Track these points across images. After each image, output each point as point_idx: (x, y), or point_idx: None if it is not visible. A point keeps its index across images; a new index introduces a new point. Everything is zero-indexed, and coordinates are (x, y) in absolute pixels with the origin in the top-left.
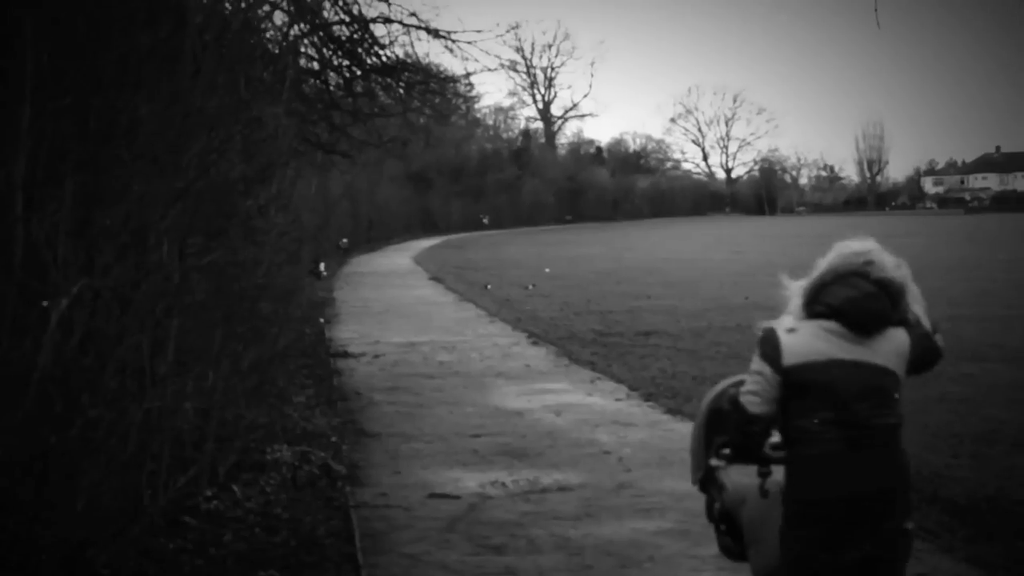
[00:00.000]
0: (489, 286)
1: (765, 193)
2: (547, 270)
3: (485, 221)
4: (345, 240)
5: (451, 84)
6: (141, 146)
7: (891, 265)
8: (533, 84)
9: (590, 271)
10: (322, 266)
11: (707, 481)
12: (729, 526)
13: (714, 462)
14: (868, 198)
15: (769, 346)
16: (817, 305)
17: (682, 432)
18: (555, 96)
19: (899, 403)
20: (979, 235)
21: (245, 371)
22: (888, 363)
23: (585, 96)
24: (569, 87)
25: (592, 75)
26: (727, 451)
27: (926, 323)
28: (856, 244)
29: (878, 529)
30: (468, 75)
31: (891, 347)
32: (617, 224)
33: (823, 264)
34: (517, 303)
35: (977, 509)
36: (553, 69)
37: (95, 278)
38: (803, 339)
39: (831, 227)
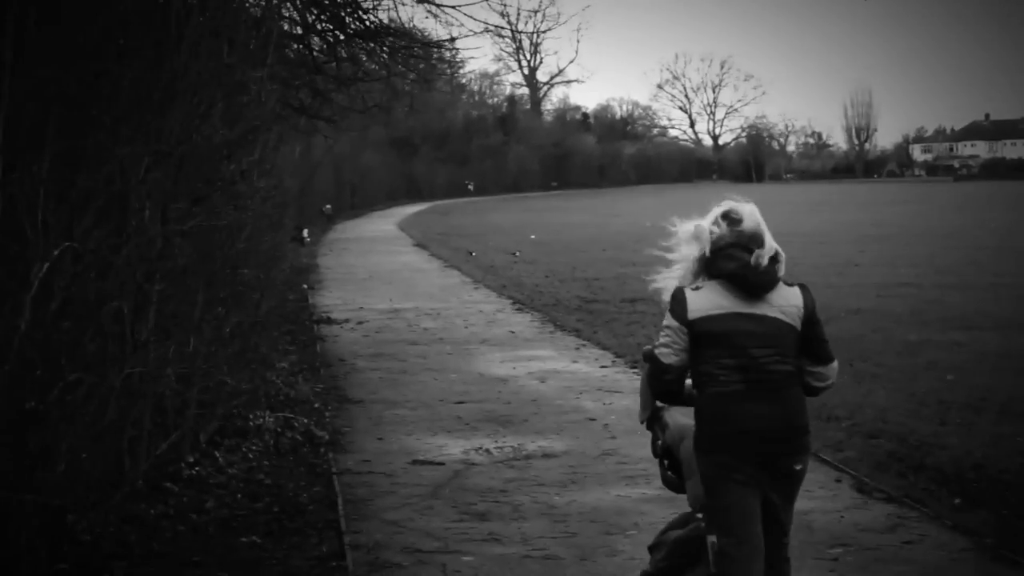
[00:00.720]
0: (474, 253)
1: (752, 160)
2: (532, 237)
3: (470, 187)
4: (329, 206)
5: (435, 49)
6: (124, 111)
7: (767, 234)
8: (519, 50)
9: (576, 238)
10: (305, 232)
11: (653, 420)
12: (671, 461)
13: (659, 403)
14: (856, 166)
15: (676, 303)
16: (717, 270)
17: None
18: (541, 62)
19: (796, 353)
20: (968, 203)
21: (227, 337)
22: (783, 316)
23: (571, 62)
24: (555, 53)
25: (578, 41)
26: None
27: None
28: (744, 212)
29: (772, 465)
30: (453, 40)
31: (786, 303)
32: (603, 191)
33: (707, 233)
34: (502, 270)
35: (964, 477)
36: (539, 34)
37: (76, 242)
38: (706, 295)
39: (819, 194)
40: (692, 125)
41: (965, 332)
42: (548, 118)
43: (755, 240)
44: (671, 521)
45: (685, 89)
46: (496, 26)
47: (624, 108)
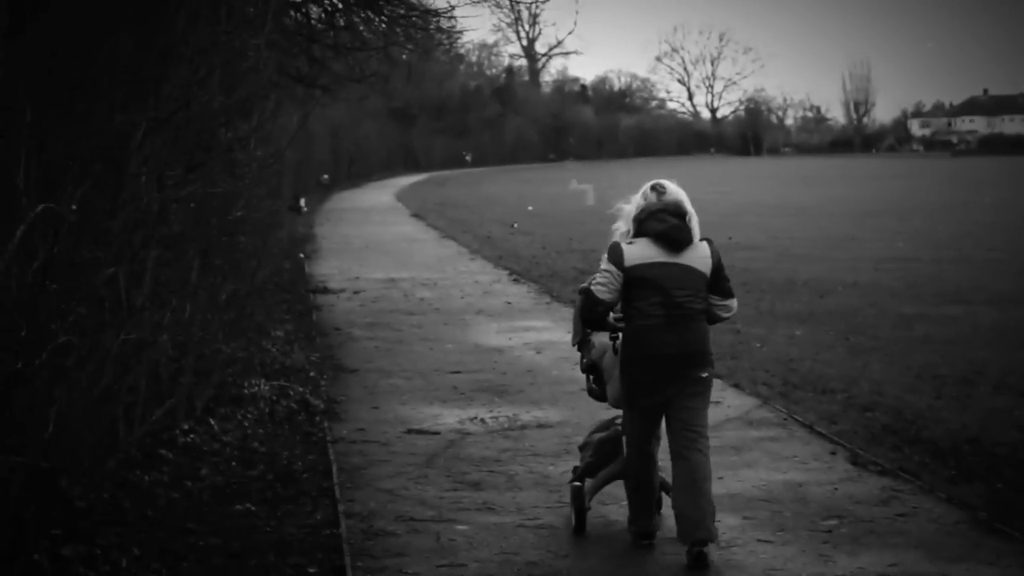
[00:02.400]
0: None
1: (751, 133)
2: (530, 208)
3: (468, 158)
4: (326, 176)
5: (434, 18)
6: (121, 76)
7: (687, 204)
8: (517, 20)
9: (573, 210)
10: (302, 201)
11: (582, 344)
12: (595, 375)
13: (588, 329)
14: (854, 140)
15: (615, 253)
16: (645, 229)
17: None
18: (539, 33)
19: (706, 293)
20: (965, 178)
21: (223, 304)
22: (696, 265)
23: (570, 33)
24: (554, 24)
25: (577, 12)
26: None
27: None
28: (669, 189)
29: (682, 377)
30: (451, 8)
31: (698, 255)
32: (601, 163)
33: (640, 200)
34: (499, 241)
35: (959, 450)
36: (537, 5)
37: (61, 204)
38: (639, 248)
39: (817, 168)
40: (691, 98)
41: (961, 306)
42: (546, 90)
43: (677, 207)
44: (596, 425)
45: (684, 61)
46: None
47: (622, 80)
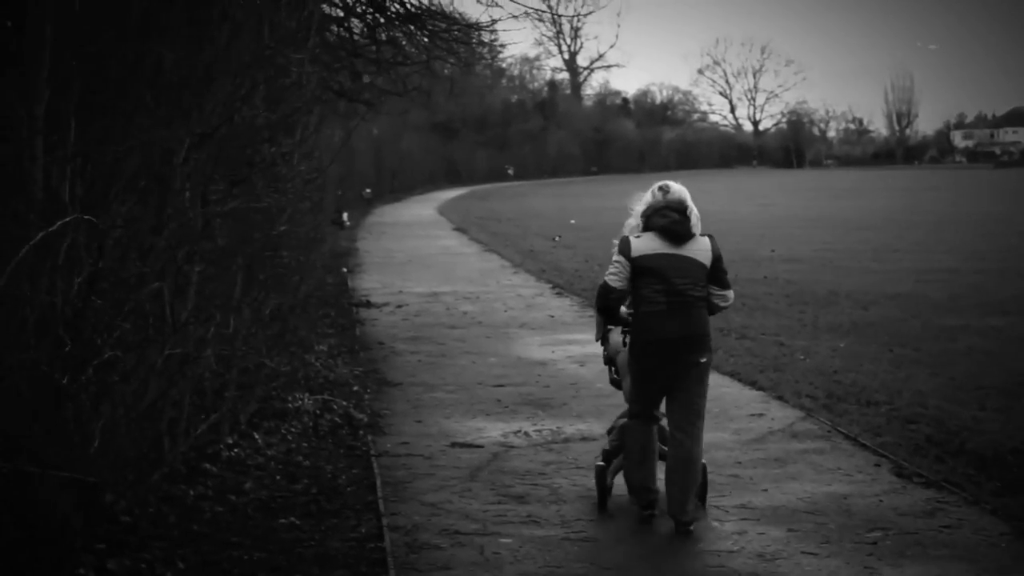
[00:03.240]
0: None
1: (793, 146)
2: (572, 221)
3: (510, 172)
4: (368, 190)
5: (475, 32)
6: (165, 92)
7: (689, 202)
8: (559, 34)
9: (615, 223)
10: (345, 216)
11: (604, 339)
12: (614, 367)
13: (608, 327)
14: (897, 151)
15: (624, 245)
16: (652, 225)
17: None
18: (581, 46)
19: (705, 283)
20: (1008, 189)
21: (267, 319)
22: (697, 257)
23: (611, 47)
24: (595, 37)
25: (619, 25)
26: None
27: None
28: (673, 189)
29: (683, 361)
30: (493, 22)
31: (699, 248)
32: (644, 176)
33: (648, 199)
34: (541, 254)
35: (1004, 461)
36: (579, 18)
37: (104, 219)
38: (644, 242)
39: (859, 180)
40: (732, 110)
41: (1003, 317)
42: (588, 103)
43: (679, 204)
44: (621, 414)
45: (726, 74)
46: (536, 10)
47: (664, 93)
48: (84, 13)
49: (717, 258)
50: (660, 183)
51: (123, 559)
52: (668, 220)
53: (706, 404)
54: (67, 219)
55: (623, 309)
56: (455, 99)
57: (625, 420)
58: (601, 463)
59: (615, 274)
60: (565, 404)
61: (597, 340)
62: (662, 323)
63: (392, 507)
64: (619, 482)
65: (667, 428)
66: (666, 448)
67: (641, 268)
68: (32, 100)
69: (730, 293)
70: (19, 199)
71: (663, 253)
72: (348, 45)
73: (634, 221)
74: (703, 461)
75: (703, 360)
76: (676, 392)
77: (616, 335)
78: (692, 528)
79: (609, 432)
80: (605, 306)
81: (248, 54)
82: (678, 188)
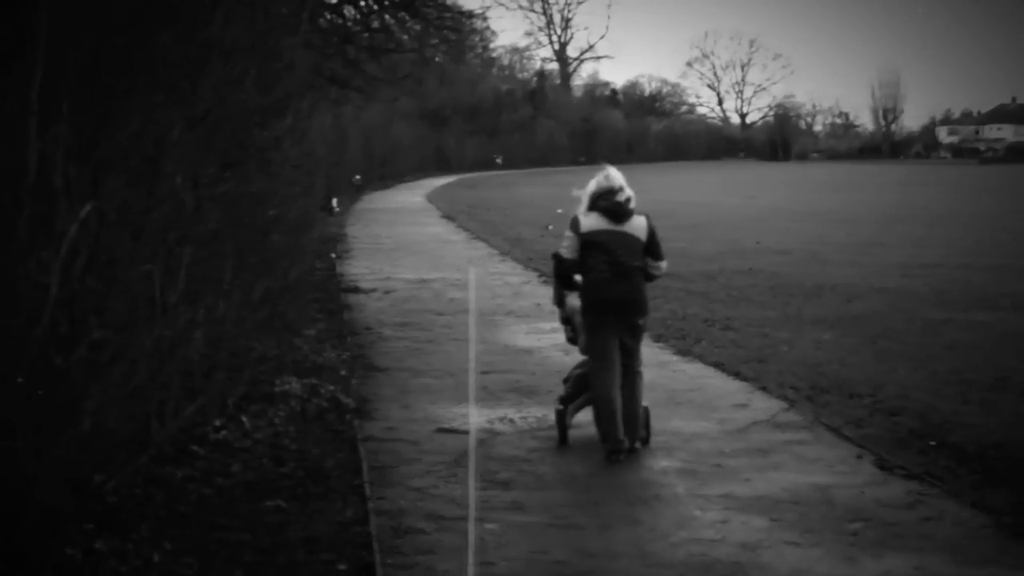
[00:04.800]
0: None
1: (779, 139)
2: (559, 211)
3: (499, 161)
4: (358, 176)
5: (467, 20)
6: (157, 76)
7: (627, 187)
8: (549, 24)
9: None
10: (334, 202)
11: (560, 302)
12: (571, 327)
13: (565, 291)
14: (883, 147)
15: (574, 223)
16: (595, 206)
17: (691, 373)
18: (571, 37)
19: (642, 255)
20: (992, 186)
21: (256, 302)
22: (635, 233)
23: (601, 38)
24: (586, 28)
25: (609, 16)
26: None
27: None
28: (612, 175)
29: (626, 320)
30: (484, 10)
31: (637, 226)
32: (631, 167)
33: (593, 186)
34: (529, 243)
35: (984, 455)
36: (570, 9)
37: (102, 201)
38: (591, 220)
39: (845, 174)
40: (720, 103)
41: (988, 312)
42: (577, 93)
43: (620, 189)
44: (576, 364)
45: (714, 67)
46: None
47: (653, 85)
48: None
49: (652, 233)
50: (605, 171)
51: (111, 539)
52: (609, 202)
53: (641, 352)
54: (87, 208)
55: (576, 277)
56: (446, 87)
57: (580, 371)
58: (560, 407)
59: (567, 247)
60: (550, 391)
61: (555, 303)
62: (607, 287)
63: (378, 491)
64: (578, 419)
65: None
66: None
67: (588, 242)
68: (26, 84)
69: (664, 263)
70: (13, 182)
71: (606, 229)
72: (341, 31)
73: (583, 202)
74: (645, 404)
75: (640, 322)
76: (621, 346)
77: (573, 299)
78: (637, 448)
79: (565, 381)
80: (560, 274)
81: (240, 38)
82: (617, 175)
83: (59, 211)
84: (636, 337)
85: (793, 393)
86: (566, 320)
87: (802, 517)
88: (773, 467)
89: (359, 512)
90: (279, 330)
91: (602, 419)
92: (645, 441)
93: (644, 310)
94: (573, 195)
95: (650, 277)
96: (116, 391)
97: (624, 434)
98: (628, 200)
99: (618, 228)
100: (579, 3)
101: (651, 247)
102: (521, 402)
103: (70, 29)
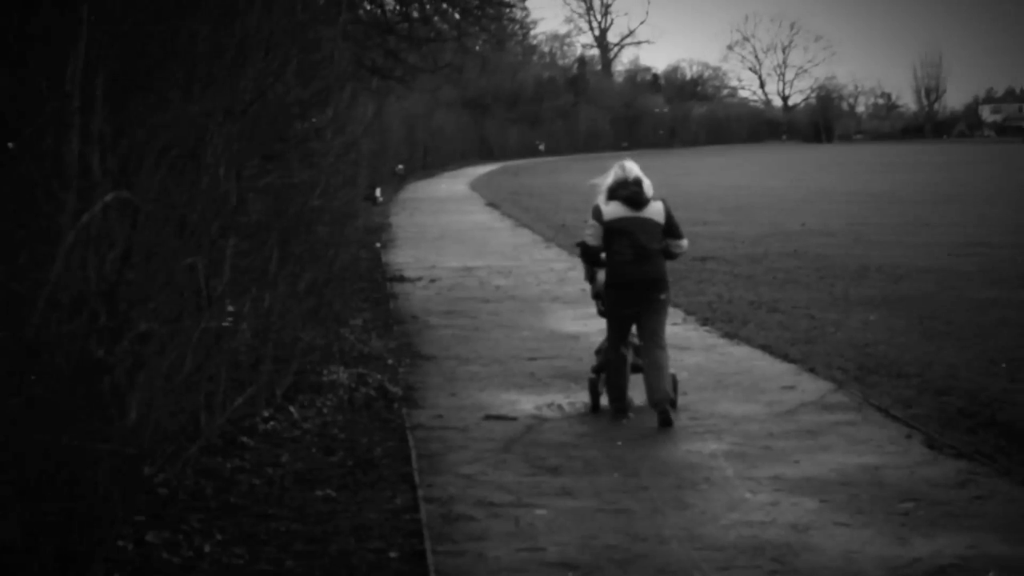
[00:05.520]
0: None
1: (822, 121)
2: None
3: (541, 148)
4: (401, 166)
5: (507, 9)
6: (198, 68)
7: (644, 177)
8: (589, 10)
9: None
10: (378, 191)
11: (591, 279)
12: (602, 300)
13: (595, 269)
14: (926, 126)
15: (596, 212)
16: (615, 196)
17: (738, 356)
18: (611, 23)
19: (662, 237)
20: None
21: (301, 293)
22: (653, 217)
23: (641, 23)
24: (626, 14)
25: (649, 2)
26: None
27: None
28: (628, 166)
29: (647, 298)
30: None
31: (654, 211)
32: (674, 151)
33: (612, 177)
34: (573, 229)
35: None
36: None
37: (135, 192)
38: (612, 208)
39: (888, 155)
40: (762, 86)
41: None
42: (618, 79)
43: (637, 179)
44: (606, 337)
45: (755, 49)
46: None
47: (694, 69)
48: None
49: (669, 216)
50: (622, 162)
51: (161, 531)
52: (628, 191)
53: (665, 328)
54: (107, 198)
55: (603, 255)
56: (487, 76)
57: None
58: (593, 376)
59: (591, 235)
60: None
61: (586, 279)
62: (629, 269)
63: (427, 479)
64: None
65: (639, 347)
66: (640, 361)
67: (611, 229)
68: (67, 77)
69: (684, 241)
70: (54, 175)
71: (627, 216)
72: (381, 21)
73: (603, 192)
74: (672, 372)
75: (663, 296)
76: (644, 321)
77: (602, 275)
78: (666, 413)
79: (597, 353)
80: (591, 259)
81: (280, 30)
82: (633, 166)
83: (95, 204)
84: (660, 312)
85: (841, 374)
86: (597, 295)
87: (852, 498)
88: (822, 448)
89: (409, 500)
90: (325, 320)
91: (611, 382)
92: (673, 405)
93: (665, 286)
94: (591, 184)
95: (671, 255)
96: (163, 383)
97: (652, 404)
98: (645, 188)
99: (638, 214)
100: None
101: (670, 228)
102: (569, 388)
103: (108, 20)
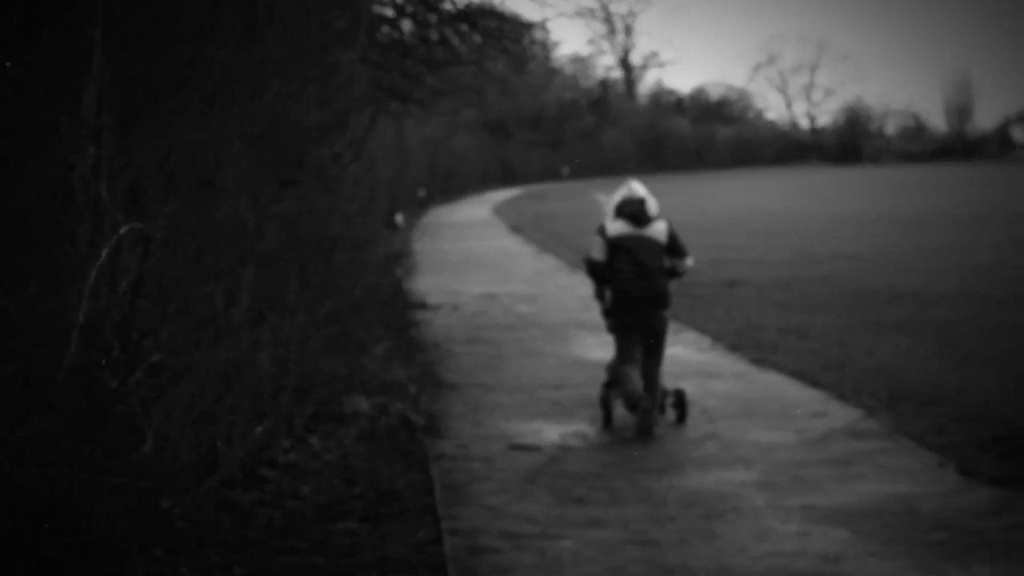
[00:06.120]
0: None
1: (850, 142)
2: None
3: (564, 172)
4: (423, 190)
5: (527, 31)
6: (214, 92)
7: (649, 197)
8: (611, 32)
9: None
10: (399, 217)
11: (600, 296)
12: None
13: (603, 288)
14: (956, 148)
15: (601, 229)
16: (620, 214)
17: (767, 383)
18: (634, 45)
19: (664, 255)
20: None
21: (321, 321)
22: (656, 236)
23: (665, 44)
24: (648, 35)
25: (672, 23)
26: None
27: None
28: (634, 187)
29: (651, 314)
30: (544, 21)
31: (657, 229)
32: (700, 174)
33: (618, 196)
34: None
35: None
36: (632, 16)
37: (148, 222)
38: (616, 225)
39: (918, 176)
40: (789, 107)
41: None
42: (642, 101)
43: (641, 199)
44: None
45: (781, 70)
46: (588, 8)
47: (719, 90)
48: (132, 15)
49: (672, 235)
50: (628, 183)
51: (179, 566)
52: (632, 209)
53: (665, 345)
54: (122, 231)
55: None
56: (508, 98)
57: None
58: (604, 392)
59: (596, 251)
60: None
61: (596, 297)
62: (632, 285)
63: (451, 510)
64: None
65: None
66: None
67: (614, 245)
68: (78, 103)
69: (688, 260)
70: (63, 204)
71: (629, 234)
72: (399, 45)
73: (610, 211)
74: (682, 388)
75: (663, 313)
76: (644, 337)
77: (607, 292)
78: (646, 416)
79: (608, 369)
80: (596, 274)
81: (298, 54)
82: (639, 187)
83: (104, 233)
84: (661, 327)
85: (872, 401)
86: (607, 312)
87: (884, 527)
88: (853, 477)
89: (432, 532)
90: (346, 349)
91: (625, 389)
92: (681, 419)
93: (666, 304)
94: (598, 199)
95: (676, 274)
96: (180, 414)
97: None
98: (649, 207)
99: (640, 232)
100: (641, 11)
101: (673, 247)
102: (595, 416)
103: (121, 44)
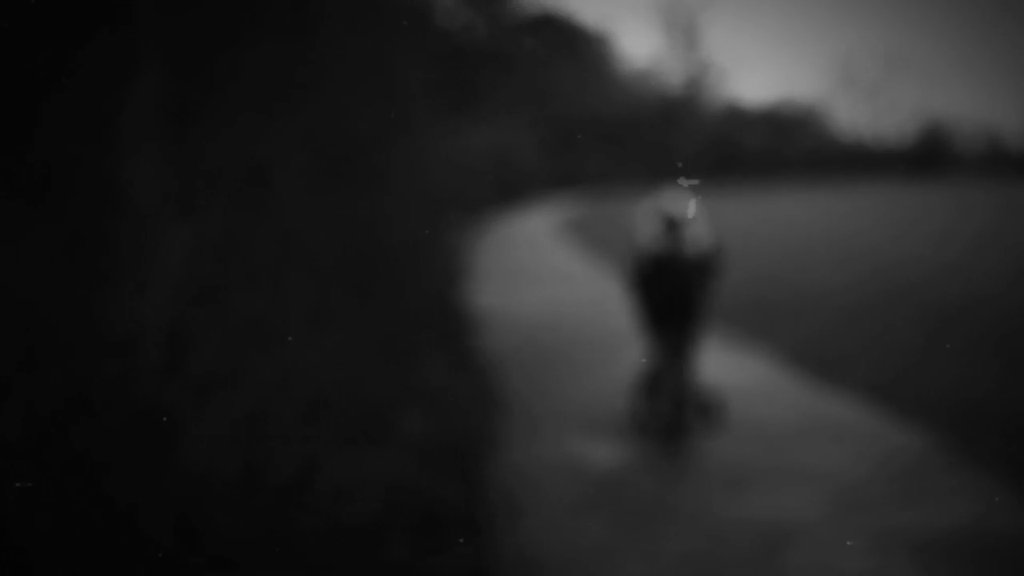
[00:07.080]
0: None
1: (930, 158)
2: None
3: (630, 182)
4: (484, 199)
5: (592, 42)
6: (267, 94)
7: (686, 213)
8: (680, 43)
9: (739, 235)
10: (458, 226)
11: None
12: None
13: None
14: None
15: (636, 244)
16: (659, 223)
17: (831, 401)
18: (703, 55)
19: (698, 271)
20: None
21: (373, 332)
22: (691, 251)
23: (735, 55)
24: (720, 45)
25: (747, 33)
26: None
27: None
28: (674, 197)
29: (680, 326)
30: (610, 32)
31: (692, 243)
32: (770, 189)
33: (654, 212)
34: None
35: None
36: (701, 27)
37: (206, 227)
38: (652, 240)
39: (999, 194)
40: (864, 122)
41: None
42: (713, 112)
43: (679, 209)
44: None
45: (858, 85)
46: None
47: (793, 104)
48: (188, 12)
49: (707, 251)
50: (663, 198)
51: None
52: (667, 224)
53: (695, 347)
54: (172, 235)
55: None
56: (572, 107)
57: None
58: (637, 404)
59: (632, 264)
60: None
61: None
62: (665, 298)
63: (506, 532)
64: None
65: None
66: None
67: (649, 259)
68: (124, 105)
69: (720, 273)
70: (113, 207)
71: (666, 243)
72: (463, 47)
73: (646, 229)
74: (721, 394)
75: (695, 326)
76: (674, 346)
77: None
78: (675, 418)
79: (641, 377)
80: (631, 286)
81: (354, 57)
82: (676, 203)
83: (153, 238)
84: (691, 340)
85: (942, 421)
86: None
87: (953, 554)
88: (921, 500)
89: (487, 553)
90: (399, 360)
91: (650, 392)
92: (709, 426)
93: (698, 316)
94: (638, 216)
95: (706, 286)
96: (224, 427)
97: (668, 409)
98: (685, 223)
99: (675, 248)
100: (713, 21)
101: (706, 263)
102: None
103: (167, 41)
